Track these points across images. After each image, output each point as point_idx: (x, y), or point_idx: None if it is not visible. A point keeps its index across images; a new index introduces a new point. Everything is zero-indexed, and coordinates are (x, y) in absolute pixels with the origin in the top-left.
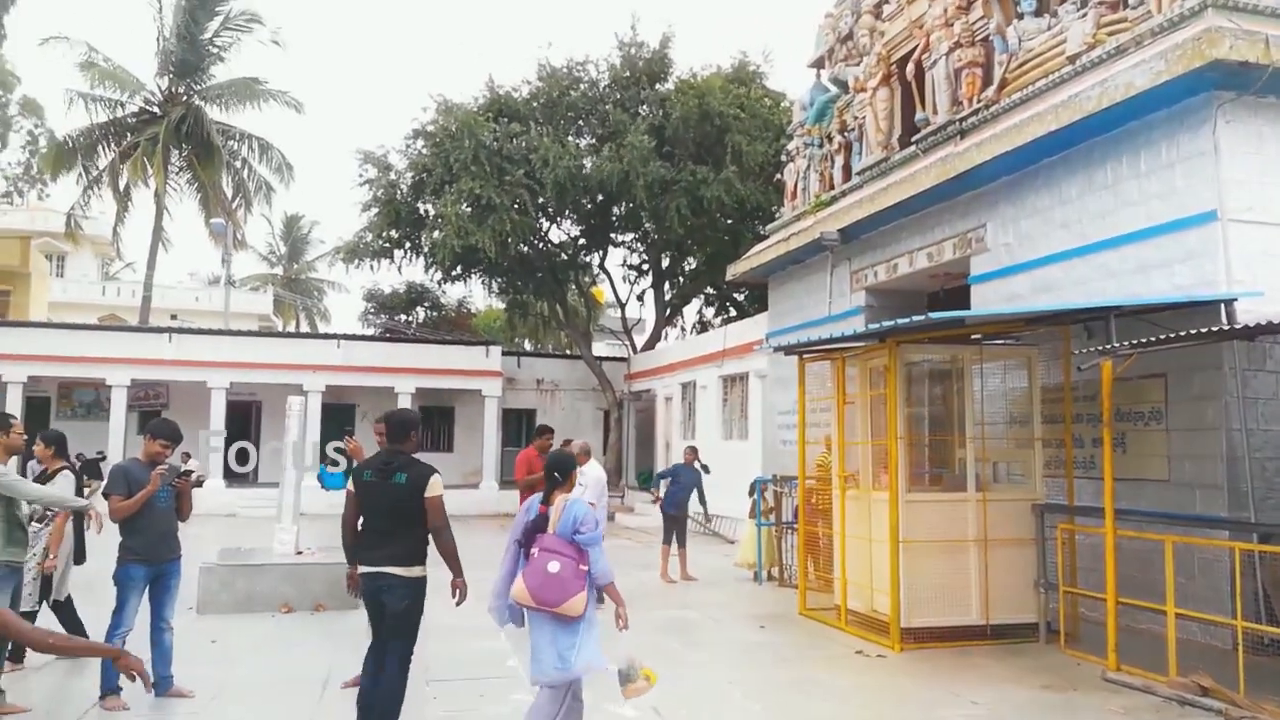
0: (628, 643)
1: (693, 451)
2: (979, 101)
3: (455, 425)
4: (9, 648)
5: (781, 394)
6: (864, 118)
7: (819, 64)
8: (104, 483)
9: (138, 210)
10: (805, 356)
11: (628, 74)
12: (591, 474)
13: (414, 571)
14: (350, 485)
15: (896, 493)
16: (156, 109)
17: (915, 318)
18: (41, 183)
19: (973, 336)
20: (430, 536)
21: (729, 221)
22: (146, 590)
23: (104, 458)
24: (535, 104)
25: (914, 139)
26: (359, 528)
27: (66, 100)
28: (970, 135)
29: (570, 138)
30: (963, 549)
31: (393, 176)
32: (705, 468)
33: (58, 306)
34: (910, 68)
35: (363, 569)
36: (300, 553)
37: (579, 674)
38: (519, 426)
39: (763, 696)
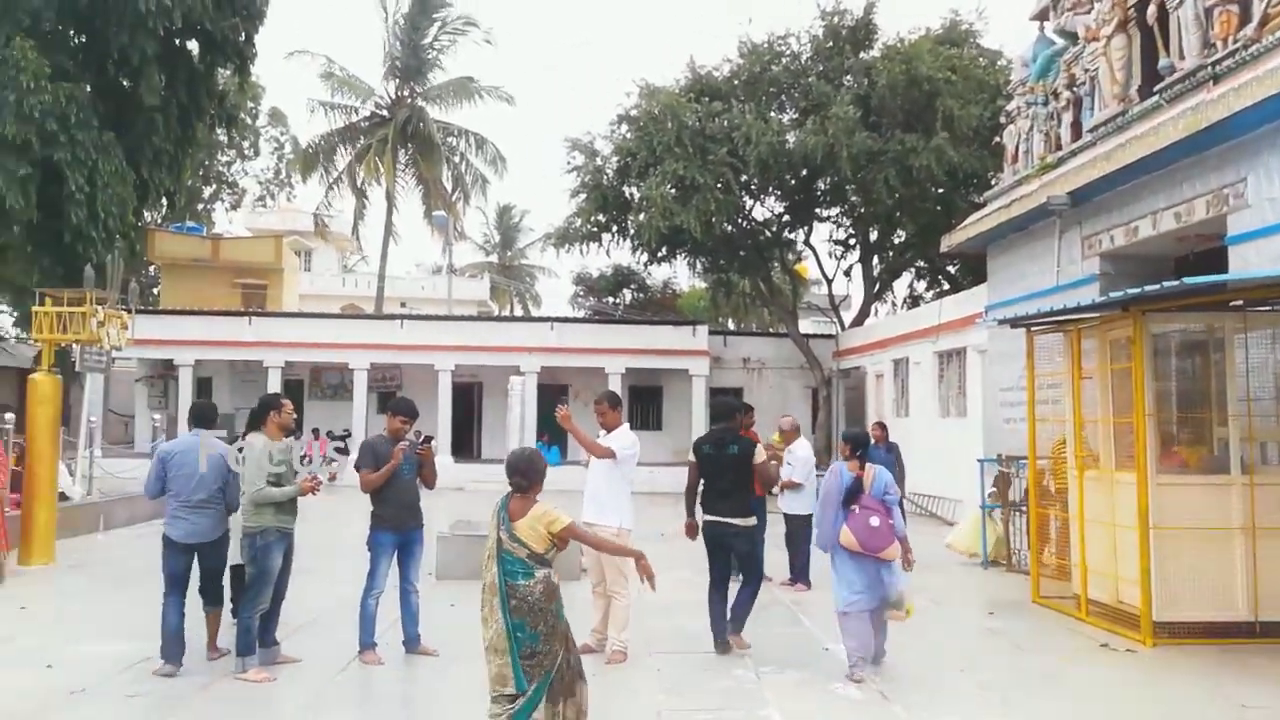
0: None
1: (880, 428)
2: (1235, 42)
3: (664, 404)
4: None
5: (1004, 369)
6: (1096, 69)
7: (1042, 16)
8: (351, 458)
9: (372, 206)
10: (1034, 329)
11: (830, 44)
12: (800, 453)
13: (749, 521)
14: (691, 455)
15: (1145, 475)
16: (385, 112)
17: (1167, 283)
18: (290, 185)
19: (1233, 303)
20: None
21: (940, 191)
22: (395, 555)
23: (349, 435)
24: (736, 81)
25: (1156, 89)
26: (699, 489)
27: (308, 109)
28: (1225, 80)
29: (772, 113)
30: (1226, 537)
31: (599, 162)
32: (891, 445)
33: (306, 298)
34: (1151, 10)
35: (707, 518)
36: None
37: (902, 600)
38: None
39: (998, 687)
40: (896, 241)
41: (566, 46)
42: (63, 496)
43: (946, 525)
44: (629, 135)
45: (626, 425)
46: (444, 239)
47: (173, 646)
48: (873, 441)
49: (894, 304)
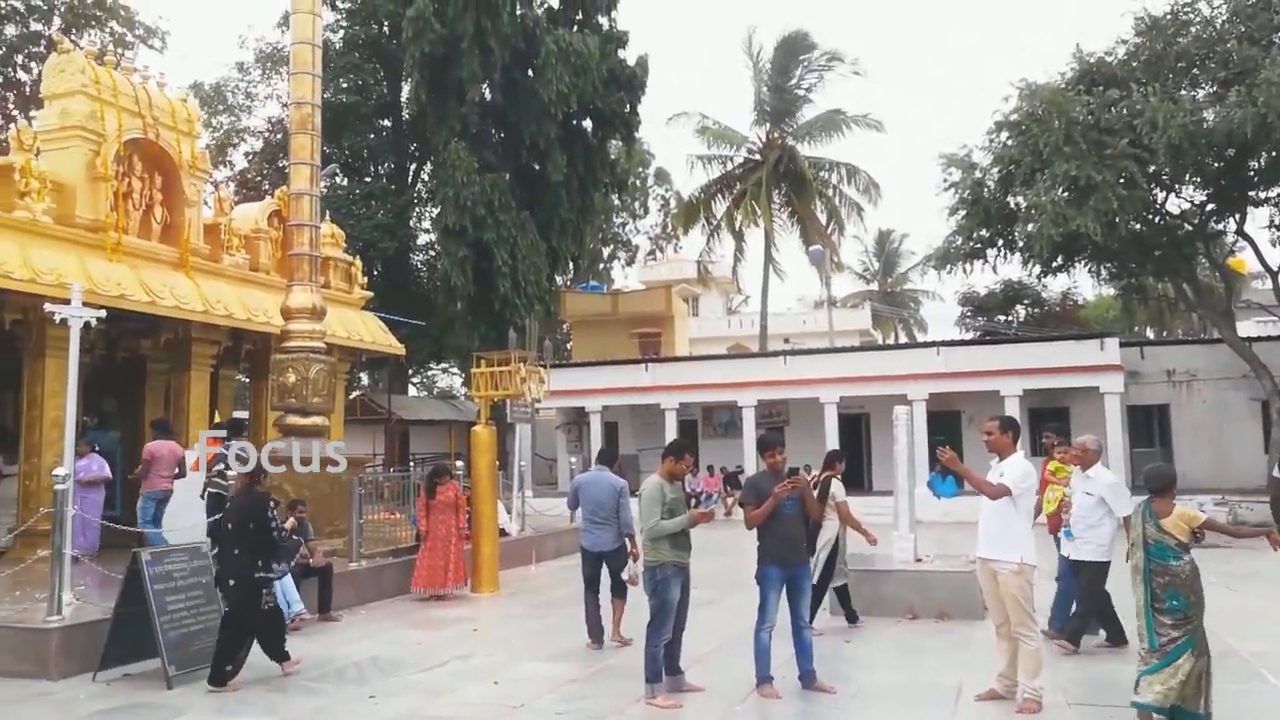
0: None
1: None
2: None
3: (1071, 427)
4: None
5: None
6: None
7: None
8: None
9: (750, 248)
10: None
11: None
12: (1103, 480)
13: None
14: (1276, 472)
15: None
16: (758, 156)
17: None
18: (675, 238)
19: None
20: None
21: None
22: (784, 589)
23: (741, 470)
24: (1134, 63)
25: None
26: None
27: (688, 165)
28: None
29: (1183, 91)
30: None
31: (977, 175)
32: None
33: (695, 342)
34: None
35: None
36: (920, 560)
37: None
38: (1148, 425)
39: None
40: None
41: (937, 62)
42: (502, 533)
43: None
44: (1009, 142)
45: (1021, 453)
46: (822, 272)
47: (595, 630)
48: None
49: None
